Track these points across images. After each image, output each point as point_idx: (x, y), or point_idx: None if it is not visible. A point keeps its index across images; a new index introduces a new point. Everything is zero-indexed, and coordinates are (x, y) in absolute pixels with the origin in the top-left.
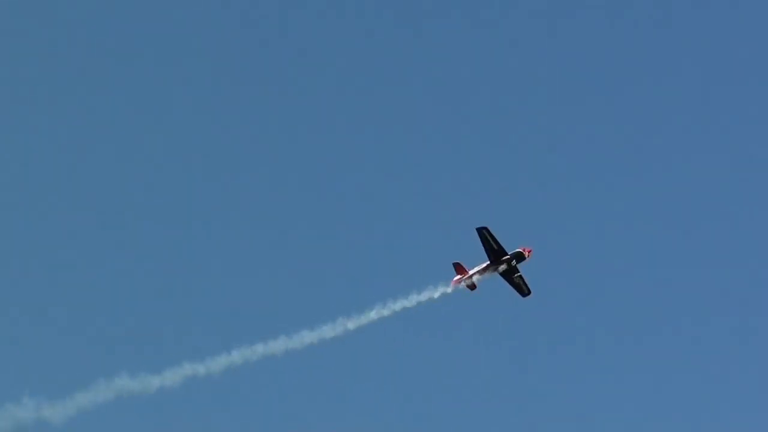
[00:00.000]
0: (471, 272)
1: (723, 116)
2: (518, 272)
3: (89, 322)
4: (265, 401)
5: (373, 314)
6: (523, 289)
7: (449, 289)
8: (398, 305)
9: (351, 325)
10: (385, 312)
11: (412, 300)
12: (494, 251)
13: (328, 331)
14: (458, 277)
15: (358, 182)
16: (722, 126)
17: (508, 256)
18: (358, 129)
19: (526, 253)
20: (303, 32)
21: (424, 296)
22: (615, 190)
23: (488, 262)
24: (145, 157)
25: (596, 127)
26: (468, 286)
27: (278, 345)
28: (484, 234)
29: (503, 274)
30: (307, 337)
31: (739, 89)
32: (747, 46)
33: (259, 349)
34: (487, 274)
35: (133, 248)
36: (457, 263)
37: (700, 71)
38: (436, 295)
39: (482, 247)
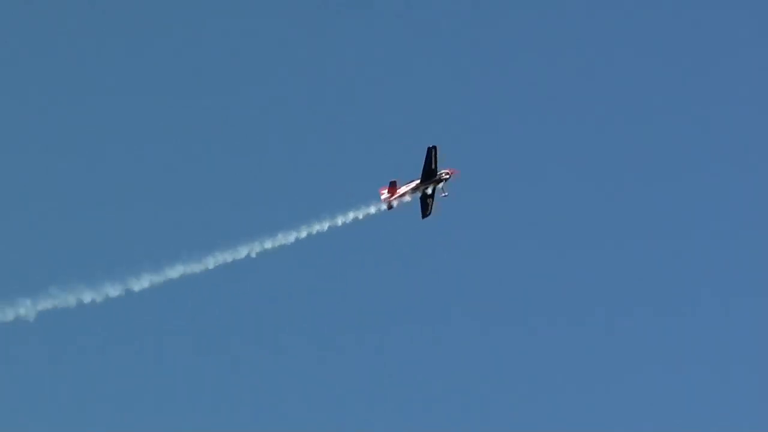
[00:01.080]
0: (402, 191)
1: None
2: (444, 194)
3: None
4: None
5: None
6: (428, 210)
7: (381, 207)
8: (325, 224)
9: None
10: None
11: (343, 218)
12: (430, 171)
13: (245, 250)
14: (389, 195)
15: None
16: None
17: (448, 176)
18: (296, 46)
19: (453, 175)
20: None
21: (353, 215)
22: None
23: (418, 181)
24: None
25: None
26: (388, 207)
27: (199, 265)
28: (431, 153)
29: (424, 194)
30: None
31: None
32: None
33: (176, 270)
34: (417, 193)
35: None
36: (394, 181)
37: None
38: (371, 212)
39: (422, 166)
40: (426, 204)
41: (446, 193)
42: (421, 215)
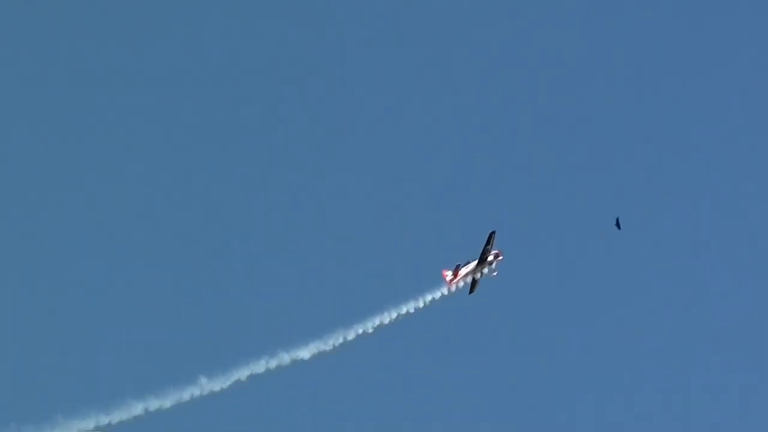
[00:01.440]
0: (463, 273)
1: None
2: (495, 273)
3: None
4: (264, 416)
5: (374, 321)
6: (474, 288)
7: (446, 291)
8: (394, 312)
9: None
10: (387, 319)
11: (411, 305)
12: (484, 252)
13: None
14: (453, 278)
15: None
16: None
17: (500, 258)
18: (347, 133)
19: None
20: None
21: (420, 301)
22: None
23: (476, 262)
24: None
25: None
26: (449, 290)
27: (280, 359)
28: (491, 237)
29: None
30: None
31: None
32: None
33: (260, 364)
34: (470, 276)
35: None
36: (458, 265)
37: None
38: (435, 297)
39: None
40: (474, 281)
41: (496, 273)
42: (468, 291)
